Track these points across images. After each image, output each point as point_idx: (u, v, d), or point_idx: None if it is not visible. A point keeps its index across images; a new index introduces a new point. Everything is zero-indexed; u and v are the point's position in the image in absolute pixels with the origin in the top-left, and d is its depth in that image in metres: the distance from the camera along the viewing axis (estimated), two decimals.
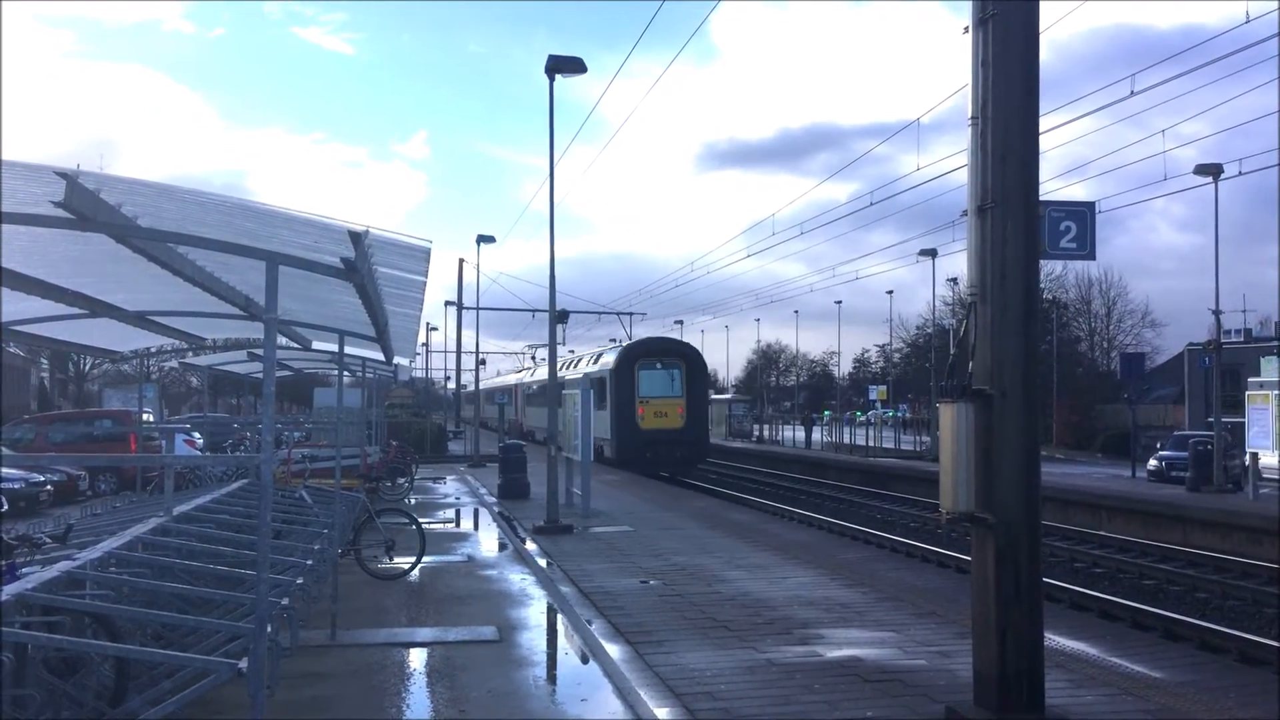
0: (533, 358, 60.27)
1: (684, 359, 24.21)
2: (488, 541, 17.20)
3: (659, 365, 23.39)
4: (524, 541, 16.79)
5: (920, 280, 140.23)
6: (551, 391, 20.96)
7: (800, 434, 57.08)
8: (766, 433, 59.52)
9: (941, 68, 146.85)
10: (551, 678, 8.65)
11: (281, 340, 11.54)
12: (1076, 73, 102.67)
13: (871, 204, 30.12)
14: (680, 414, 22.18)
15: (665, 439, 23.43)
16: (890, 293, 65.78)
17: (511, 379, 55.88)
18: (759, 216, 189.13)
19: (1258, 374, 24.76)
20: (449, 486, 28.28)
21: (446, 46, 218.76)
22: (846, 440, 48.91)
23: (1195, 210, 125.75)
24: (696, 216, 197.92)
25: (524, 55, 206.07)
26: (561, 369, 37.14)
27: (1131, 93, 18.45)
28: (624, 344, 26.35)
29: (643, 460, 24.45)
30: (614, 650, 9.29)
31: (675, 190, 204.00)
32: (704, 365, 25.49)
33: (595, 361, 29.50)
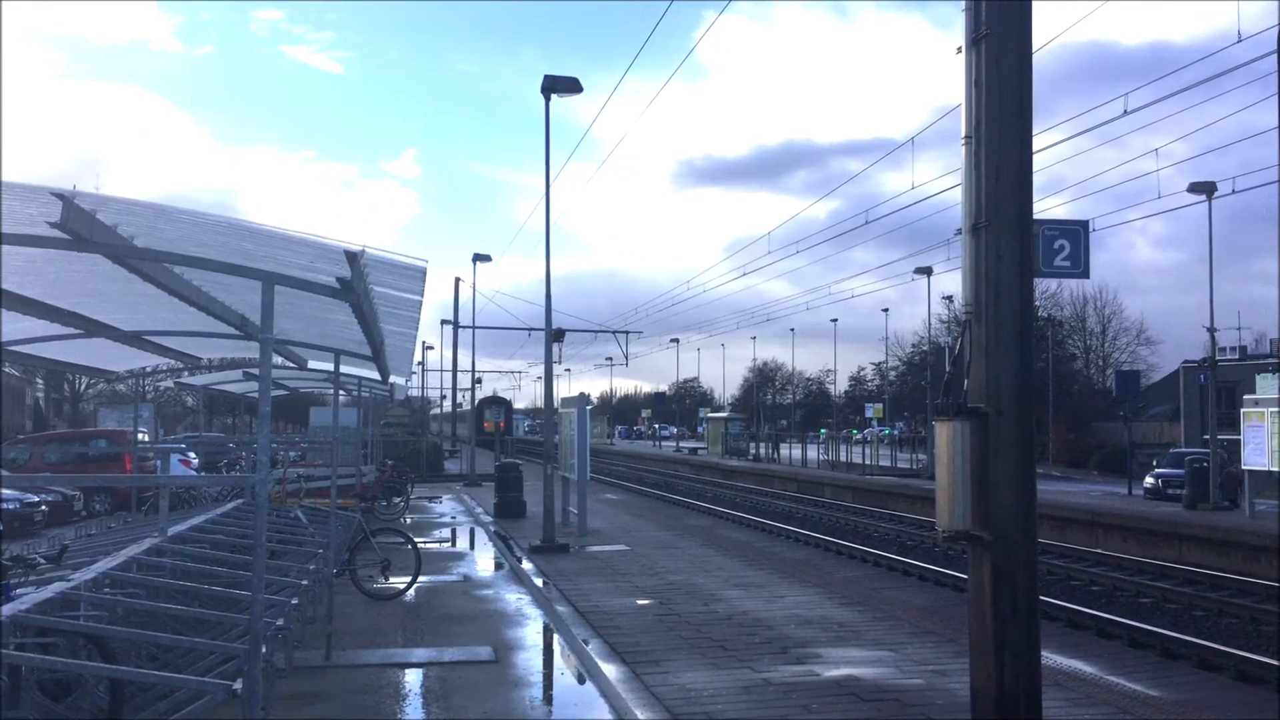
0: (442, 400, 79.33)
1: (504, 404, 45.69)
2: (484, 561, 17.15)
3: (492, 407, 43.44)
4: (520, 561, 16.74)
5: (905, 298, 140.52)
6: (548, 415, 21.40)
7: (797, 453, 57.10)
8: (764, 451, 59.28)
9: (922, 85, 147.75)
10: (548, 698, 8.61)
11: (277, 359, 11.54)
12: (1046, 89, 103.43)
13: (867, 222, 30.25)
14: (502, 426, 41.43)
15: (492, 434, 42.17)
16: (886, 310, 65.99)
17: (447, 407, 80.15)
18: (740, 234, 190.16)
19: (1253, 391, 24.73)
20: (445, 505, 28.21)
21: (435, 64, 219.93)
22: (843, 458, 48.87)
23: (1173, 227, 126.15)
24: (678, 234, 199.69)
25: (513, 73, 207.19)
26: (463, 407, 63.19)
27: (1125, 111, 18.51)
28: (483, 397, 49.10)
29: (485, 443, 46.18)
30: (611, 670, 9.27)
31: (656, 208, 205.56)
32: (508, 404, 48.52)
33: (472, 405, 53.08)
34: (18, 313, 7.14)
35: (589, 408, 22.68)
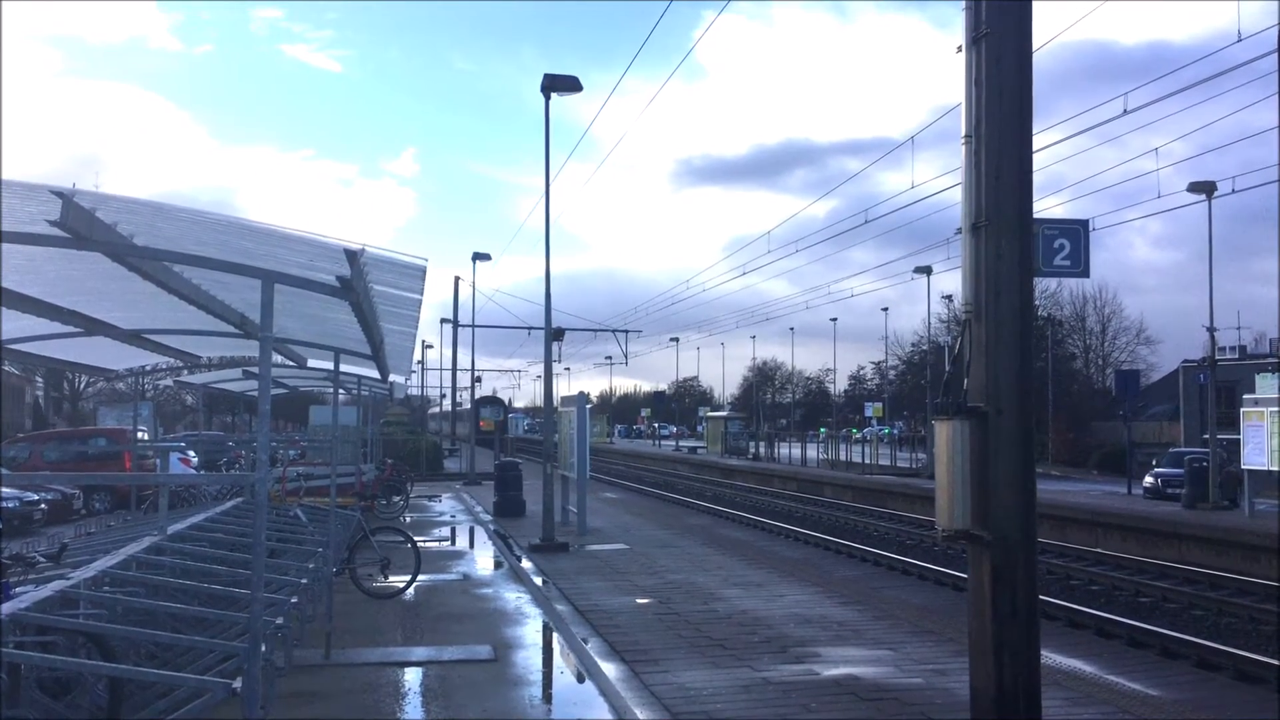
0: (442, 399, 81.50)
1: (500, 403, 48.04)
2: (483, 559, 17.16)
3: (489, 406, 45.19)
4: (520, 559, 16.74)
5: (905, 298, 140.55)
6: (547, 414, 21.48)
7: (796, 452, 57.13)
8: (764, 450, 59.21)
9: (921, 85, 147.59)
10: (547, 697, 8.61)
11: (277, 358, 11.54)
12: (1045, 88, 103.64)
13: (866, 222, 30.23)
14: (496, 425, 42.41)
15: (489, 432, 43.46)
16: (885, 310, 65.97)
17: (445, 407, 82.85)
18: (739, 233, 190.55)
19: (1253, 391, 24.73)
20: (444, 504, 28.22)
21: (434, 63, 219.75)
22: (843, 457, 48.88)
23: (1173, 227, 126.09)
24: (678, 233, 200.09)
25: (512, 72, 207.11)
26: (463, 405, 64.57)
27: (1124, 111, 18.50)
28: (479, 397, 50.62)
29: (483, 441, 46.90)
30: (610, 669, 9.26)
31: (655, 207, 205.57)
32: (504, 403, 51.36)
33: (469, 405, 54.83)
34: (17, 311, 7.13)
35: (588, 406, 22.69)
